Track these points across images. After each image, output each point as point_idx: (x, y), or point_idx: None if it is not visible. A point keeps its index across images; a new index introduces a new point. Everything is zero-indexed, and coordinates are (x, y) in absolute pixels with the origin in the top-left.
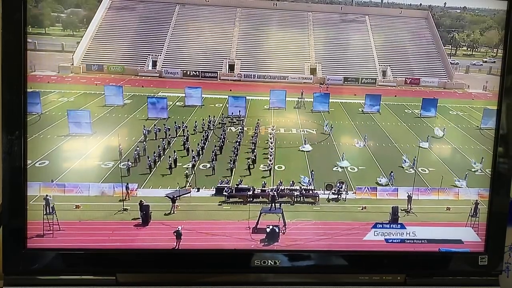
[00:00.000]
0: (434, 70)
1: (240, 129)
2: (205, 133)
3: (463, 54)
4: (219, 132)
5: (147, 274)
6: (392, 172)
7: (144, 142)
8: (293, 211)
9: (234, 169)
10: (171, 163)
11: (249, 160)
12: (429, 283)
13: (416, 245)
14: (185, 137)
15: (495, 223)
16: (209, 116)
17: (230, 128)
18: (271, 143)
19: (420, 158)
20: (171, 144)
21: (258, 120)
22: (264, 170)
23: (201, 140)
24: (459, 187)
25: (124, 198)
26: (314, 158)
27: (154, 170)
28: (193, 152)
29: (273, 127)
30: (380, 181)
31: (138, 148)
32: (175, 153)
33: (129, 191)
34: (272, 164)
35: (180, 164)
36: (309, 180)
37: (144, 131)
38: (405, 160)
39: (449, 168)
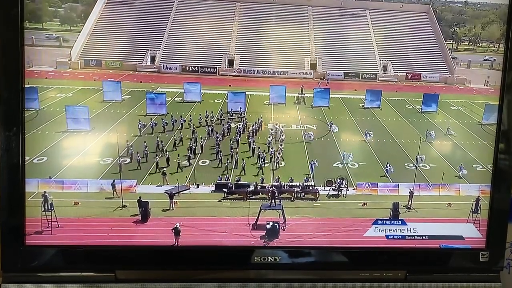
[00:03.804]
0: (435, 65)
1: (240, 125)
2: (204, 129)
3: (464, 49)
4: (218, 128)
5: (147, 271)
6: (388, 163)
7: (145, 143)
8: (293, 207)
9: (234, 165)
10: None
11: (250, 157)
12: (429, 279)
13: (417, 241)
14: (182, 135)
15: (496, 219)
16: (207, 112)
17: (229, 124)
18: (270, 139)
19: (421, 154)
20: (169, 141)
21: (260, 117)
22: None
23: (201, 138)
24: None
25: (113, 196)
26: (314, 154)
27: (153, 166)
28: (194, 146)
29: (277, 124)
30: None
31: (137, 145)
32: (172, 150)
33: (115, 189)
34: (277, 159)
35: (179, 161)
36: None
37: (139, 125)
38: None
39: (450, 164)
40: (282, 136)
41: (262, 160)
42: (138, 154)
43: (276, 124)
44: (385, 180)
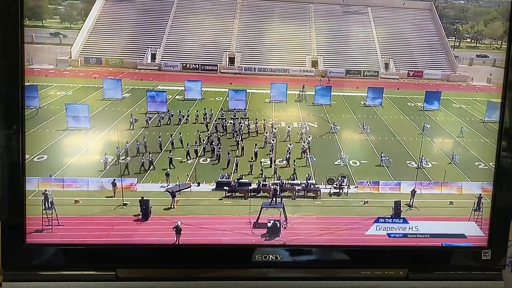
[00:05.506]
0: (437, 62)
1: (240, 123)
2: (204, 127)
3: (466, 46)
4: (219, 126)
5: (148, 270)
6: (383, 153)
7: (144, 140)
8: (294, 206)
9: (234, 163)
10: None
11: (252, 156)
12: (431, 277)
13: (419, 240)
14: (181, 134)
15: (498, 217)
16: (205, 109)
17: (230, 122)
18: (267, 134)
19: (422, 152)
20: (170, 139)
21: (272, 119)
22: (267, 167)
23: (202, 139)
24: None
25: (114, 195)
26: (315, 152)
27: (153, 164)
28: (194, 145)
29: (289, 126)
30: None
31: (138, 142)
32: (173, 149)
33: (116, 188)
34: (286, 157)
35: (180, 158)
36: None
37: (131, 119)
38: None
39: (451, 162)
40: (309, 138)
41: (286, 159)
42: (117, 149)
43: (289, 126)
44: (381, 170)
